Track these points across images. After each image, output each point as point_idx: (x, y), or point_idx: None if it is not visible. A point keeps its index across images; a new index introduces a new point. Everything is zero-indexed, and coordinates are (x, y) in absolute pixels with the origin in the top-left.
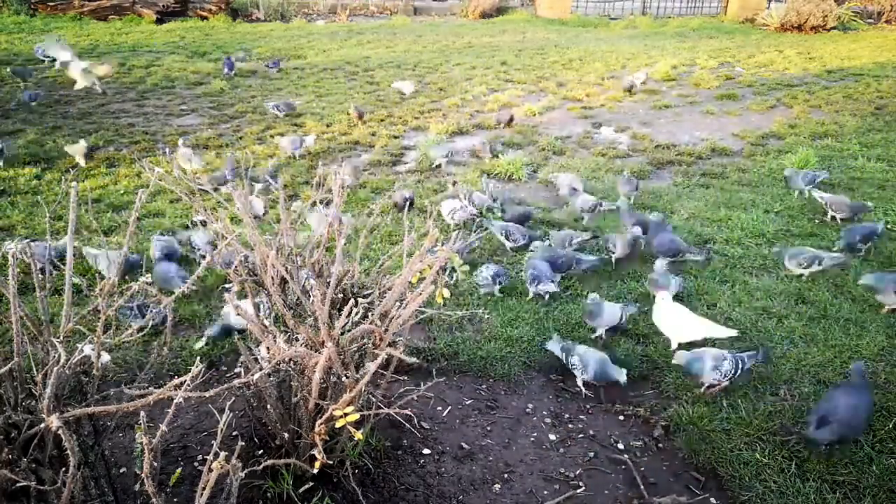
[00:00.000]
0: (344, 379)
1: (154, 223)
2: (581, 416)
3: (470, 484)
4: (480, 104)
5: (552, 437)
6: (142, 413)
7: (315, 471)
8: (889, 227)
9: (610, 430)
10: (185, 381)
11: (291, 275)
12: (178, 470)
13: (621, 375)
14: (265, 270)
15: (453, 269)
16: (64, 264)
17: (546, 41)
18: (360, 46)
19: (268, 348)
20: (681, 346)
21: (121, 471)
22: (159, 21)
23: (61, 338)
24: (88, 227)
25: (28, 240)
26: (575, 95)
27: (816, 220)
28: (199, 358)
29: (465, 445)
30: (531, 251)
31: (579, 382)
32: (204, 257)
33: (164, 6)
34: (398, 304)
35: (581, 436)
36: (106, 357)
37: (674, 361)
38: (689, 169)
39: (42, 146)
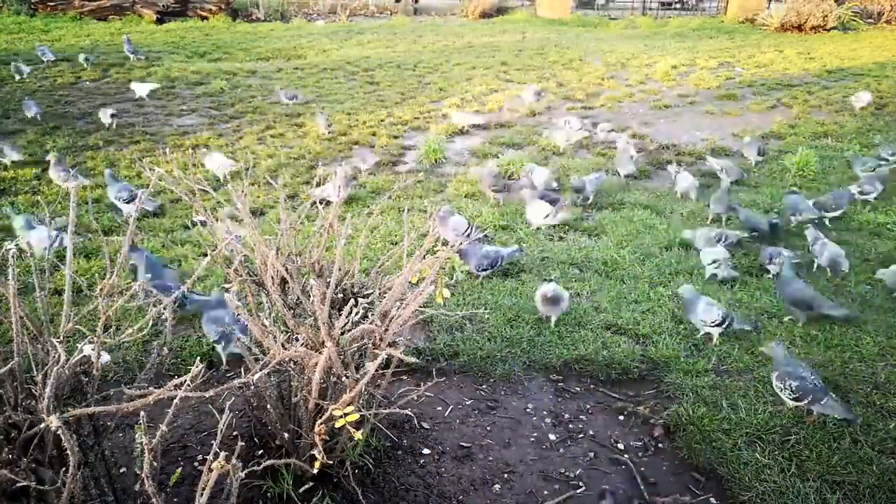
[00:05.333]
0: (344, 379)
1: (154, 223)
2: (581, 416)
3: (470, 484)
4: (480, 104)
5: (552, 437)
6: (142, 413)
7: (315, 471)
8: (889, 227)
9: (610, 430)
10: (185, 380)
11: (291, 275)
12: (178, 470)
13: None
14: (265, 270)
15: (453, 269)
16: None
17: (546, 41)
18: (360, 46)
19: (268, 348)
20: None
21: (121, 471)
22: (159, 21)
23: (61, 338)
24: (89, 227)
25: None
26: (575, 95)
27: (816, 220)
28: (198, 358)
29: (465, 445)
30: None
31: None
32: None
33: (164, 6)
34: (398, 304)
35: (581, 436)
36: (106, 357)
37: None
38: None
39: (42, 146)
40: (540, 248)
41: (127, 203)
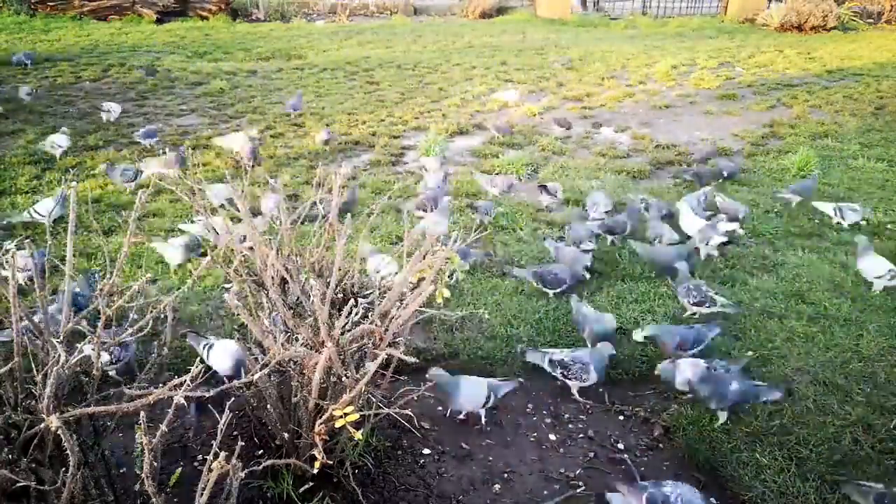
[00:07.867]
0: (344, 379)
1: (154, 223)
2: (581, 416)
3: (470, 484)
4: (480, 104)
5: (552, 437)
6: (142, 413)
7: (315, 471)
8: (889, 227)
9: (610, 430)
10: (185, 381)
11: (291, 275)
12: (178, 470)
13: None
14: (265, 270)
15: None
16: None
17: (546, 41)
18: (360, 46)
19: (268, 348)
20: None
21: (121, 471)
22: (159, 21)
23: (61, 338)
24: (89, 227)
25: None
26: (575, 95)
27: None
28: (199, 358)
29: (465, 445)
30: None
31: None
32: None
33: (164, 6)
34: (398, 304)
35: (581, 436)
36: (106, 357)
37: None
38: (690, 169)
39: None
40: (539, 248)
41: None
